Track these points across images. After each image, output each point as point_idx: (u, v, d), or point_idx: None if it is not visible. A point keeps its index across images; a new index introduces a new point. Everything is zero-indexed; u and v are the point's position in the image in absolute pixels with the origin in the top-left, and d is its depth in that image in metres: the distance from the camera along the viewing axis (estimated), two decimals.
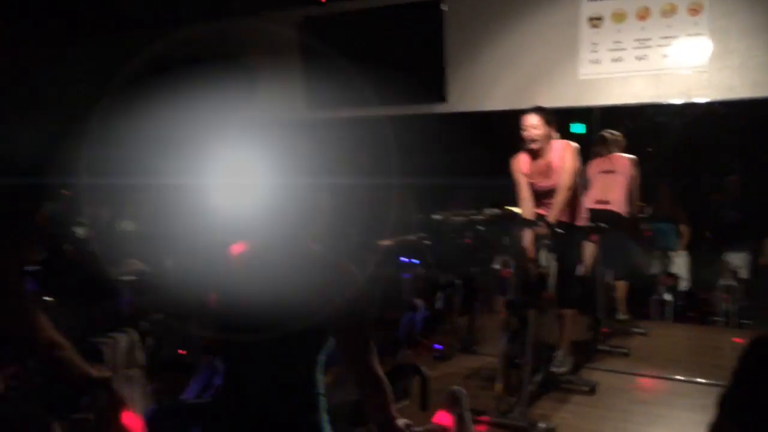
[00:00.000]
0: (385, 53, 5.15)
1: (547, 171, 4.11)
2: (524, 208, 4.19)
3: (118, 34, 5.94)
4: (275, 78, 5.75)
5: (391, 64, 5.11)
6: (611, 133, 5.46)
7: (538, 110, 4.05)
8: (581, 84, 4.57)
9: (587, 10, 4.52)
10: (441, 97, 5.02)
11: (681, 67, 4.27)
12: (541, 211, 4.14)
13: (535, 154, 4.11)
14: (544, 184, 4.14)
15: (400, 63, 5.12)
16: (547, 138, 4.07)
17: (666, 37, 4.30)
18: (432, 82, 5.03)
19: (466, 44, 4.88)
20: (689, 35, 4.23)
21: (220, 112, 5.47)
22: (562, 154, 4.06)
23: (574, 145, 4.13)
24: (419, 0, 5.00)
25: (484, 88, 4.87)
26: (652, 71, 4.35)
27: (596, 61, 4.52)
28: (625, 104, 4.50)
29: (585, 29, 4.53)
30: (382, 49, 5.17)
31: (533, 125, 4.02)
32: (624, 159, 5.32)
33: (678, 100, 4.38)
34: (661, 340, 5.60)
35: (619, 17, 4.43)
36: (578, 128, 6.59)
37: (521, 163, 4.19)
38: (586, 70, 4.55)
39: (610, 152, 5.40)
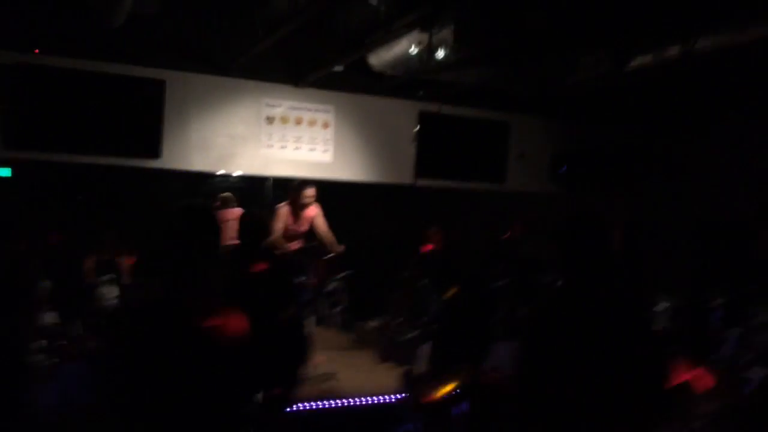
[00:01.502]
0: (105, 108, 6.13)
1: (304, 222, 6.23)
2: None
3: None
4: None
5: (110, 118, 6.15)
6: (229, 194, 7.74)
7: (312, 183, 6.13)
8: (259, 157, 6.82)
9: (265, 112, 6.86)
10: (155, 154, 6.35)
11: (319, 156, 7.08)
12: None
13: (299, 209, 6.13)
14: (298, 230, 6.23)
15: (119, 119, 6.19)
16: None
17: (309, 138, 7.06)
18: (149, 140, 6.32)
19: (182, 113, 6.43)
20: (324, 139, 7.10)
21: None
22: (316, 211, 6.23)
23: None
24: (144, 76, 6.28)
25: (194, 150, 6.51)
26: (301, 157, 7.01)
27: (270, 146, 6.88)
28: (288, 176, 6.95)
29: (263, 123, 6.84)
30: (102, 103, 6.11)
31: (313, 194, 6.10)
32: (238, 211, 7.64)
33: (319, 177, 7.17)
34: None
35: (284, 120, 6.94)
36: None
37: (286, 213, 6.11)
38: (263, 151, 6.85)
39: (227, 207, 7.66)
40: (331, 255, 6.25)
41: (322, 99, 7.07)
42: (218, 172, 6.75)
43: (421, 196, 8.21)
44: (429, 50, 5.27)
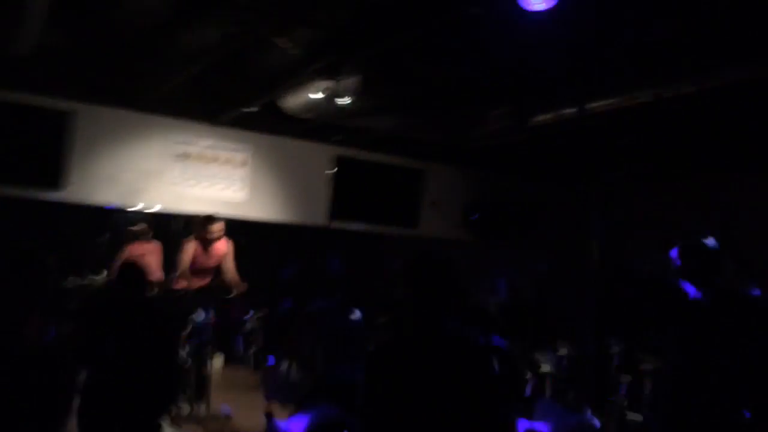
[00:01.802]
0: (7, 139, 6.02)
1: (212, 256, 6.20)
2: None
3: None
4: None
5: (10, 148, 6.04)
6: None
7: (219, 219, 6.20)
8: (170, 193, 6.79)
9: (176, 149, 6.86)
10: (56, 186, 6.23)
11: (232, 194, 7.11)
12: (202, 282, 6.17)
13: (206, 244, 6.13)
14: (207, 264, 6.20)
15: (19, 149, 6.09)
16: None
17: (224, 176, 7.09)
18: (50, 171, 6.21)
19: (91, 145, 6.36)
20: (238, 177, 7.14)
21: None
22: (225, 246, 6.27)
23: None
24: (48, 107, 6.21)
25: (100, 184, 6.43)
26: (214, 195, 7.02)
27: (177, 184, 6.87)
28: (199, 212, 6.94)
29: (173, 160, 6.83)
30: (4, 134, 6.01)
31: (220, 228, 6.09)
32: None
33: (232, 215, 7.19)
34: None
35: (199, 158, 6.95)
36: None
37: (192, 247, 6.12)
38: (173, 187, 6.83)
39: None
40: (233, 295, 6.24)
41: (240, 138, 7.15)
42: (127, 208, 6.67)
43: (341, 238, 8.34)
44: (333, 97, 5.43)
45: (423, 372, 2.20)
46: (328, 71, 5.28)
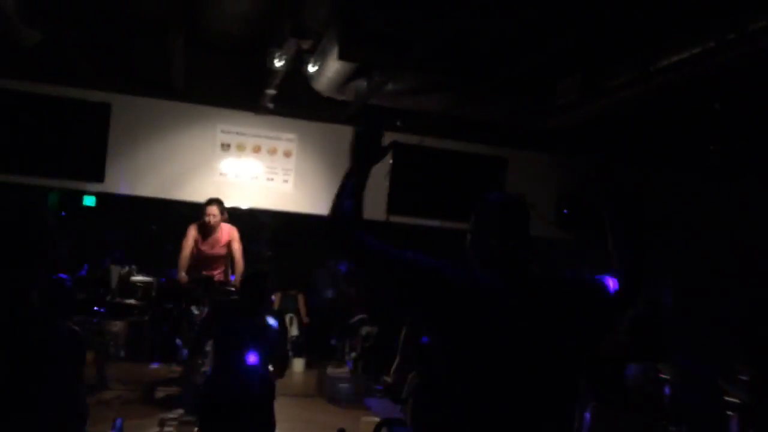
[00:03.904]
0: (51, 132, 6.09)
1: (215, 244, 5.87)
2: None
3: None
4: None
5: (53, 141, 6.09)
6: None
7: (216, 202, 5.84)
8: (211, 185, 6.50)
9: (218, 139, 6.56)
10: (99, 178, 6.21)
11: (277, 186, 6.67)
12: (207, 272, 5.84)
13: (207, 231, 5.81)
14: (211, 252, 5.87)
15: (64, 144, 6.13)
16: (219, 221, 5.87)
17: (269, 166, 6.67)
18: (92, 164, 6.20)
19: (129, 138, 6.27)
20: (284, 168, 6.69)
21: None
22: (232, 234, 5.91)
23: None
24: (90, 100, 6.20)
25: (140, 176, 6.31)
26: (256, 187, 6.63)
27: (220, 175, 6.56)
28: (234, 204, 6.60)
29: (218, 151, 6.54)
30: (47, 127, 6.08)
31: (213, 213, 5.75)
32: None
33: (276, 209, 6.78)
34: None
35: (240, 148, 6.61)
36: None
37: (193, 233, 5.84)
38: (216, 178, 6.53)
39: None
40: (231, 288, 5.73)
41: (285, 126, 6.70)
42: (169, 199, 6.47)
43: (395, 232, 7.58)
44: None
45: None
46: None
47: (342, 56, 4.70)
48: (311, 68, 5.47)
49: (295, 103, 6.44)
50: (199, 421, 3.77)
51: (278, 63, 5.06)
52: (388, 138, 6.90)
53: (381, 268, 2.06)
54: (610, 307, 2.16)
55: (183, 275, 5.74)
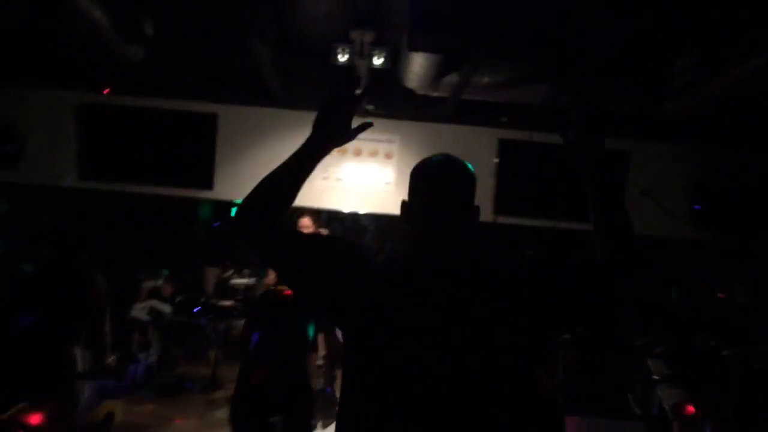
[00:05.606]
0: (162, 143, 6.44)
1: None
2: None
3: None
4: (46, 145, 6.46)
5: (167, 152, 6.43)
6: None
7: (308, 213, 5.87)
8: (312, 191, 6.53)
9: None
10: (209, 186, 6.48)
11: (378, 189, 6.56)
12: None
13: None
14: None
15: (176, 153, 6.46)
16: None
17: (370, 169, 6.58)
18: (202, 172, 6.47)
19: (234, 146, 6.48)
20: (385, 170, 6.57)
21: None
22: None
23: None
24: (198, 111, 6.48)
25: (245, 182, 6.47)
26: (361, 190, 6.56)
27: (326, 178, 6.57)
28: (335, 209, 6.59)
29: None
30: (159, 139, 6.44)
31: (306, 225, 5.78)
32: None
33: (376, 212, 6.67)
34: None
35: (342, 151, 6.57)
36: None
37: None
38: (318, 183, 6.55)
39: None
40: None
41: (385, 127, 6.56)
42: None
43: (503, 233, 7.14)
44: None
45: None
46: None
47: (413, 47, 4.47)
48: (400, 65, 5.31)
49: (392, 103, 6.31)
50: None
51: (341, 58, 4.95)
52: (493, 135, 6.63)
53: (286, 266, 1.90)
54: (577, 293, 1.90)
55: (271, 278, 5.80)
